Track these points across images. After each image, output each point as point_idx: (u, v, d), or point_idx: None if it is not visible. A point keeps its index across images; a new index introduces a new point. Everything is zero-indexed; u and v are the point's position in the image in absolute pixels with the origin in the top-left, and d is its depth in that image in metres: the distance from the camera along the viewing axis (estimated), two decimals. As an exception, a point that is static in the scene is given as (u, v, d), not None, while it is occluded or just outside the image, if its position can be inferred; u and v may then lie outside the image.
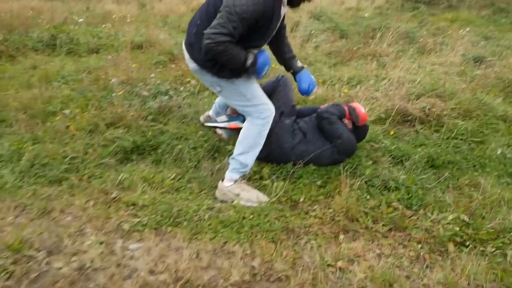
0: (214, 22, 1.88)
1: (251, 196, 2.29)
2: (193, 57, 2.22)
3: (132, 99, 3.35)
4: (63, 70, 4.38)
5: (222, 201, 2.31)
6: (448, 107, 3.39)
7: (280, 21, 2.14)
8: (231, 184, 2.32)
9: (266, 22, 1.98)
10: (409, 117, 3.34)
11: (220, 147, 2.80)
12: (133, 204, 2.17)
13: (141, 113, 3.08)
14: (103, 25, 6.69)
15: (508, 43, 6.30)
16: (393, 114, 3.36)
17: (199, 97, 3.66)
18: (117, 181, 2.35)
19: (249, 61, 2.04)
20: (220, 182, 2.36)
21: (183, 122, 3.09)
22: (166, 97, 3.41)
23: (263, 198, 2.31)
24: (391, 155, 2.82)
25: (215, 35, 1.87)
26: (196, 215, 2.09)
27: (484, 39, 6.63)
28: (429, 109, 3.32)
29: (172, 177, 2.44)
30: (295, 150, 2.56)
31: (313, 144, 2.56)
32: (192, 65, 2.26)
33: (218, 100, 2.93)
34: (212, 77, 2.21)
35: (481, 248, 1.95)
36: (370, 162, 2.67)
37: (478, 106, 3.51)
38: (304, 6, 2.13)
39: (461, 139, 3.09)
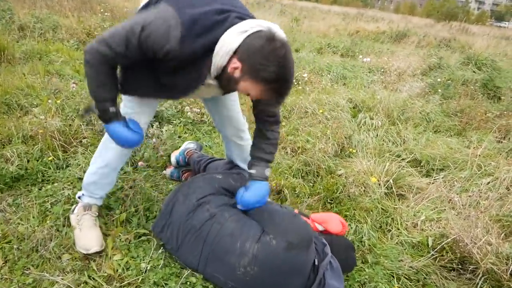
0: (112, 29, 1.26)
1: (81, 239, 1.54)
2: None
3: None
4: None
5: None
6: None
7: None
8: (73, 211, 1.68)
9: (180, 69, 1.25)
10: (469, 263, 1.71)
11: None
12: None
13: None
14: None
15: None
16: (446, 246, 1.81)
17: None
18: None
19: (111, 110, 1.33)
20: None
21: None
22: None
23: (93, 245, 1.52)
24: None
25: (98, 43, 1.23)
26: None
27: None
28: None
29: None
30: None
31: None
32: None
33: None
34: None
35: None
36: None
37: None
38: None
39: None
